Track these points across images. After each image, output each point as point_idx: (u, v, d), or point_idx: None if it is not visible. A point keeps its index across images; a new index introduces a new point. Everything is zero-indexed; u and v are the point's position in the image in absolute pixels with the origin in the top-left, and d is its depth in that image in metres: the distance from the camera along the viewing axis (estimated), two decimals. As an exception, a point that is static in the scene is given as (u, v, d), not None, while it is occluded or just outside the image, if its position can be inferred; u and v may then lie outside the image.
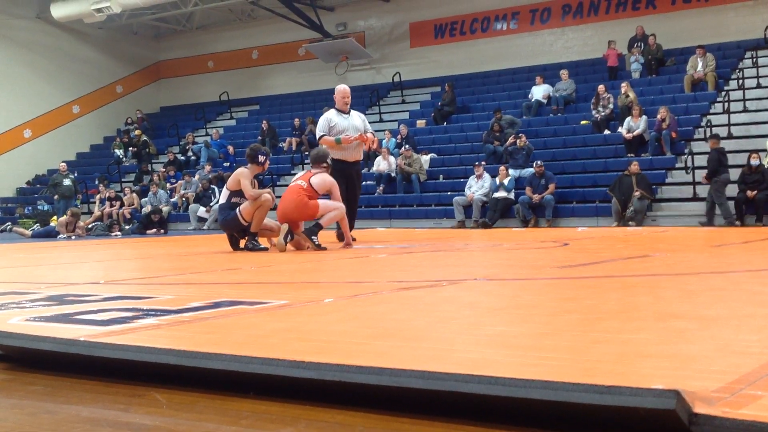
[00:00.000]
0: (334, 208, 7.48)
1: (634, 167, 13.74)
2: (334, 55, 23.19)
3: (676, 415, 1.26)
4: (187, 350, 1.87)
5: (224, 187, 8.00)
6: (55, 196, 18.97)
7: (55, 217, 17.65)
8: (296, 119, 21.14)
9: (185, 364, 1.78)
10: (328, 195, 7.58)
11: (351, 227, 8.53)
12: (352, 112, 9.10)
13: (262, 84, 25.40)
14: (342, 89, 9.12)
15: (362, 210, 15.41)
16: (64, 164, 20.17)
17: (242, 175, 7.76)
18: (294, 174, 15.73)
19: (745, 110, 15.80)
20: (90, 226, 17.25)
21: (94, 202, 20.29)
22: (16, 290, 3.88)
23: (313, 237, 7.22)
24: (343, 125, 8.80)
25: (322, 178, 7.56)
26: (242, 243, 7.74)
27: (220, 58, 26.10)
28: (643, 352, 1.85)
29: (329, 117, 8.91)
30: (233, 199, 7.69)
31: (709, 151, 13.39)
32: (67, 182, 19.27)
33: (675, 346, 1.93)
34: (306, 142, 19.89)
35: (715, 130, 14.81)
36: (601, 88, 16.67)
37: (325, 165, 7.75)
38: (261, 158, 7.91)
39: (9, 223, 17.53)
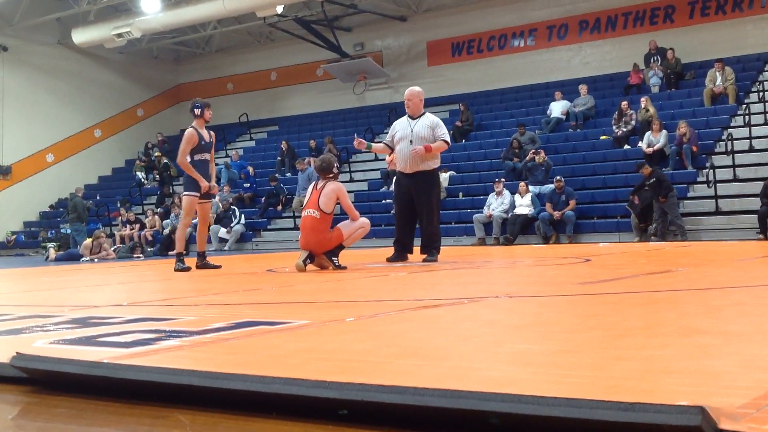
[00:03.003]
0: (358, 227, 7.43)
1: (646, 170, 13.69)
2: (352, 74, 23.32)
3: (701, 431, 1.25)
4: (209, 371, 1.88)
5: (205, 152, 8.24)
6: (83, 223, 19.14)
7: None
8: (312, 140, 21.26)
9: (208, 385, 1.79)
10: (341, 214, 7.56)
11: (405, 247, 8.15)
12: (426, 116, 8.12)
13: (281, 105, 25.56)
14: (406, 92, 8.32)
15: (381, 228, 15.46)
16: (81, 188, 20.38)
17: (185, 140, 8.10)
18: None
19: (766, 123, 15.68)
20: (112, 248, 17.37)
21: (116, 225, 20.45)
22: (39, 313, 3.91)
23: (333, 258, 7.22)
24: (403, 132, 8.06)
25: (328, 195, 7.20)
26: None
27: (239, 80, 26.32)
28: (667, 369, 1.83)
29: (396, 122, 8.36)
30: (196, 156, 8.14)
31: (651, 178, 13.54)
32: (86, 206, 19.47)
33: (699, 362, 1.91)
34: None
35: (736, 143, 14.72)
36: (624, 104, 16.61)
37: (331, 175, 7.38)
38: (197, 111, 8.24)
39: (53, 245, 17.79)
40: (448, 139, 8.17)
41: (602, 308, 3.38)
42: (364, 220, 7.54)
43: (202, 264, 8.26)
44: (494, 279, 5.86)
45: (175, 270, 8.00)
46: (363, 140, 8.21)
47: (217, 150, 23.99)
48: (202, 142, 8.17)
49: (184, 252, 8.29)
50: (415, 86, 8.54)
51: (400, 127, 8.17)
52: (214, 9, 20.83)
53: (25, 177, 23.49)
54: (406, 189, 8.09)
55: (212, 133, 8.44)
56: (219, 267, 8.25)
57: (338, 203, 7.41)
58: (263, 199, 19.70)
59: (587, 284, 4.77)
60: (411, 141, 7.96)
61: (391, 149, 8.30)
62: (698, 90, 17.43)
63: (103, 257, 15.88)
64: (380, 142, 8.51)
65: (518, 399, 1.43)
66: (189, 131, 8.18)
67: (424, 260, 7.90)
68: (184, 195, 8.31)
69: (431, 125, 8.04)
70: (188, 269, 8.00)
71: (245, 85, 26.18)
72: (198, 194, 8.15)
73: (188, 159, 8.13)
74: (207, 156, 8.25)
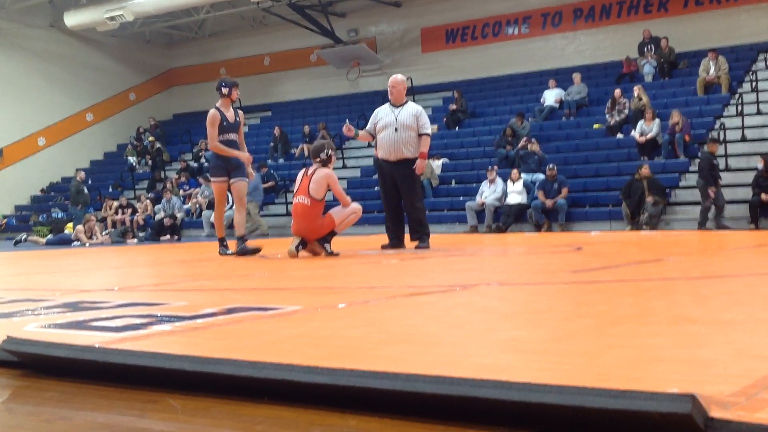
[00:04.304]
0: (350, 213, 7.42)
1: (645, 170, 13.68)
2: (345, 60, 23.25)
3: (691, 419, 1.25)
4: (200, 356, 1.87)
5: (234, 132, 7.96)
6: (78, 206, 19.07)
7: (70, 225, 17.73)
8: (306, 126, 21.19)
9: (199, 370, 1.78)
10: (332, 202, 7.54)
11: (398, 236, 8.11)
12: (409, 105, 8.17)
13: (274, 90, 25.48)
14: (390, 79, 8.29)
15: (374, 216, 15.45)
16: (82, 173, 20.29)
17: (209, 122, 7.76)
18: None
19: (759, 113, 15.73)
20: (104, 233, 17.34)
21: (103, 209, 20.41)
22: (30, 297, 3.90)
23: (325, 244, 7.22)
24: (387, 120, 8.05)
25: (318, 182, 7.19)
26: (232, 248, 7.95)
27: (232, 64, 26.21)
28: (657, 357, 1.84)
29: (378, 109, 8.28)
30: (219, 138, 7.81)
31: (715, 157, 13.33)
32: (85, 190, 19.41)
33: (690, 351, 1.92)
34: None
35: (728, 132, 14.75)
36: (617, 92, 16.63)
37: (318, 159, 7.35)
38: (224, 89, 7.89)
39: (24, 234, 17.65)
40: (429, 131, 8.19)
41: (594, 296, 3.39)
42: (355, 206, 7.53)
43: (241, 249, 7.79)
44: (486, 266, 5.87)
45: (220, 254, 7.89)
46: (352, 127, 8.13)
47: (210, 135, 24.03)
48: (225, 123, 7.81)
49: (224, 236, 8.17)
50: (398, 74, 8.55)
51: (383, 114, 8.11)
52: (207, -7, 20.73)
53: (17, 160, 23.39)
54: (390, 176, 8.07)
55: (240, 112, 8.10)
56: (258, 250, 7.86)
57: (330, 190, 7.40)
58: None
59: (579, 272, 4.78)
60: (396, 129, 7.94)
61: (373, 137, 8.25)
62: (691, 79, 17.45)
63: (94, 242, 15.85)
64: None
65: (509, 386, 1.43)
66: (211, 113, 7.82)
67: (417, 247, 7.91)
68: (213, 182, 8.05)
69: (415, 114, 8.04)
70: (232, 254, 7.80)
71: (238, 70, 26.04)
72: (226, 178, 7.88)
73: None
74: (232, 136, 7.89)
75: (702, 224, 12.80)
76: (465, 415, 1.49)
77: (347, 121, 8.48)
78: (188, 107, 27.01)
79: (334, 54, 23.18)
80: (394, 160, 8.00)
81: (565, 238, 10.51)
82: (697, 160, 14.46)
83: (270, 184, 18.90)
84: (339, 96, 23.98)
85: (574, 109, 17.96)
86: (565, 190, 14.52)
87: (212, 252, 8.23)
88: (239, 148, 7.98)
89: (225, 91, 7.90)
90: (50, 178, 24.02)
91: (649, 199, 13.42)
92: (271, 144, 21.38)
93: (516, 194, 14.94)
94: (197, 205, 18.99)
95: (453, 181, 17.16)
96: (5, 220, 22.19)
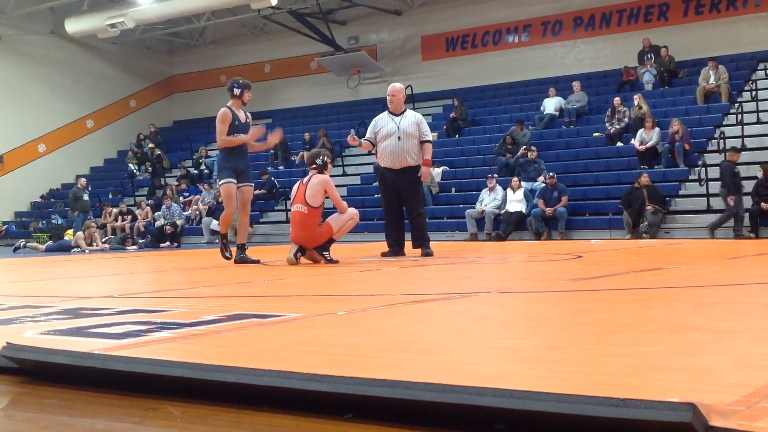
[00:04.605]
0: (347, 219, 7.42)
1: (644, 179, 13.68)
2: (346, 68, 23.28)
3: (692, 428, 1.25)
4: (200, 363, 1.87)
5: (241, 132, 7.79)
6: (76, 212, 19.06)
7: (70, 231, 17.73)
8: (306, 133, 21.19)
9: (199, 377, 1.78)
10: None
11: (399, 244, 8.11)
12: (408, 112, 8.16)
13: (275, 98, 25.49)
14: (389, 88, 8.24)
15: (374, 223, 15.45)
16: (83, 180, 20.30)
17: (219, 119, 7.59)
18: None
19: (759, 122, 15.73)
20: (103, 239, 17.33)
21: (103, 216, 20.41)
22: (30, 304, 3.90)
23: (324, 252, 7.21)
24: (388, 128, 8.02)
25: (314, 188, 7.16)
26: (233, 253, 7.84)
27: (232, 72, 26.15)
28: (657, 365, 1.84)
29: (377, 118, 8.22)
30: (233, 136, 7.61)
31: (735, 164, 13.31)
32: (86, 197, 19.40)
33: (690, 359, 1.92)
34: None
35: (728, 141, 14.75)
36: (616, 100, 16.64)
37: (314, 166, 7.34)
38: (236, 90, 7.72)
39: (23, 240, 17.62)
40: (431, 137, 8.24)
41: (593, 304, 3.39)
42: (352, 211, 7.51)
43: (240, 258, 7.66)
44: (486, 274, 5.86)
45: (219, 247, 7.89)
46: (356, 137, 8.11)
47: (210, 141, 24.05)
48: (237, 123, 7.62)
49: (227, 234, 8.00)
50: (396, 82, 8.55)
51: (384, 123, 8.09)
52: (208, 0, 20.74)
53: (17, 167, 23.39)
54: (393, 185, 8.07)
55: (249, 114, 7.91)
56: (257, 261, 7.66)
57: (327, 196, 7.38)
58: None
59: (579, 280, 4.78)
60: (399, 138, 7.94)
61: (373, 145, 8.23)
62: (691, 88, 17.47)
63: (94, 249, 15.84)
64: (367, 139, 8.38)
65: (509, 394, 1.43)
66: (222, 110, 7.62)
67: (423, 254, 7.90)
68: (221, 184, 7.80)
69: (416, 121, 8.05)
70: (228, 258, 7.69)
71: (238, 76, 26.05)
72: (234, 180, 7.66)
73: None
74: (242, 137, 7.71)
75: (712, 229, 12.80)
76: (465, 423, 1.48)
77: (352, 131, 8.45)
78: (188, 114, 27.03)
79: (334, 61, 23.21)
80: (398, 168, 7.99)
81: (565, 246, 10.51)
82: (696, 169, 14.48)
83: (263, 191, 18.90)
84: (339, 103, 24.00)
85: (574, 118, 17.98)
86: (564, 199, 14.52)
87: (212, 259, 8.23)
88: (247, 150, 7.86)
89: (237, 92, 7.77)
90: (50, 185, 24.02)
91: (649, 207, 13.42)
92: (271, 151, 21.38)
93: (516, 203, 14.93)
94: (197, 212, 18.99)
95: (453, 189, 17.16)
96: (5, 227, 22.17)
